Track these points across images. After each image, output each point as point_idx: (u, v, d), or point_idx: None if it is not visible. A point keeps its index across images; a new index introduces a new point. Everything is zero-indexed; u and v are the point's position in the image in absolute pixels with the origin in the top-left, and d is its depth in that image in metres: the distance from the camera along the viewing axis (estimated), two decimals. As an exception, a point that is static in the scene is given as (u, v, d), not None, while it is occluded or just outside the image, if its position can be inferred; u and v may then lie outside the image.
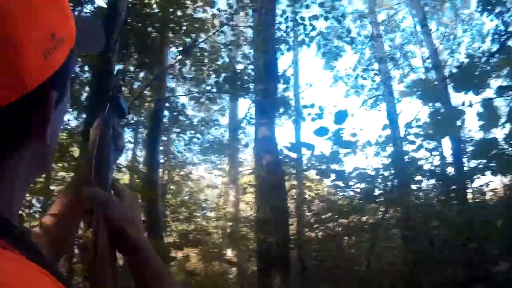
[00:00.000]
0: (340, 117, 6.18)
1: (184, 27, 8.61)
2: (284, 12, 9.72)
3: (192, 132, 12.20)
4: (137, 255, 0.90)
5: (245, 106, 18.67)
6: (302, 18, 9.85)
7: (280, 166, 6.34)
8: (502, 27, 7.91)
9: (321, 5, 10.66)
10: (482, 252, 5.17)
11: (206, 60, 10.00)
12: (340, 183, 7.60)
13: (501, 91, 5.52)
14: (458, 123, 5.29)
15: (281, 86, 9.66)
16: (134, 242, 0.90)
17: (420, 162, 8.03)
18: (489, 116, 5.09)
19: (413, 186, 8.16)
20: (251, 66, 9.85)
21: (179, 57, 9.71)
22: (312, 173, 9.69)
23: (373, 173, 8.25)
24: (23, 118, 0.62)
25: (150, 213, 7.50)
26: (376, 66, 15.88)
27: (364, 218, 8.04)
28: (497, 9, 7.78)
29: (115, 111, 1.09)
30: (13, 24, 0.56)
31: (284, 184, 6.59)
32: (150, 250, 0.92)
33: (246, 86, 8.99)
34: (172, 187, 12.04)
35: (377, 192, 8.04)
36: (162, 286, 0.90)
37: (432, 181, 8.21)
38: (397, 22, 17.27)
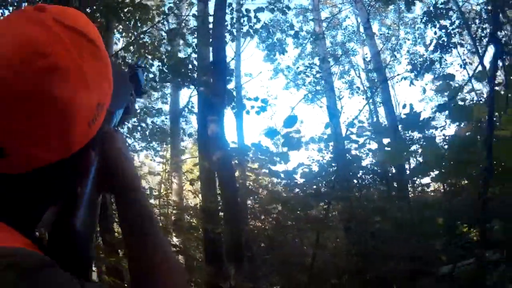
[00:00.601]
0: (290, 121, 6.50)
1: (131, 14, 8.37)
2: (230, 4, 9.67)
3: (135, 120, 11.97)
4: (129, 191, 0.83)
5: (187, 94, 18.40)
6: (248, 10, 9.86)
7: (230, 162, 6.43)
8: (445, 38, 8.38)
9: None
10: (425, 248, 5.51)
11: (150, 48, 9.80)
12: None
13: (440, 108, 6.16)
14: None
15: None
16: (128, 176, 0.84)
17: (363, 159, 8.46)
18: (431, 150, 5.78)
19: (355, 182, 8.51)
20: (194, 55, 9.77)
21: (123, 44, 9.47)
22: (255, 165, 9.89)
23: (316, 168, 8.56)
24: (60, 175, 0.69)
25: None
26: (317, 61, 16.25)
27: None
28: (442, 22, 8.27)
29: (131, 81, 1.04)
30: (70, 103, 0.61)
31: (235, 178, 6.67)
32: (142, 190, 0.86)
33: (190, 75, 8.92)
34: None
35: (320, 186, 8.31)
36: (151, 224, 0.81)
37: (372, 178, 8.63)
38: (340, 20, 17.69)
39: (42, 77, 0.59)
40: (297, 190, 8.49)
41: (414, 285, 5.49)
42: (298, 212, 8.21)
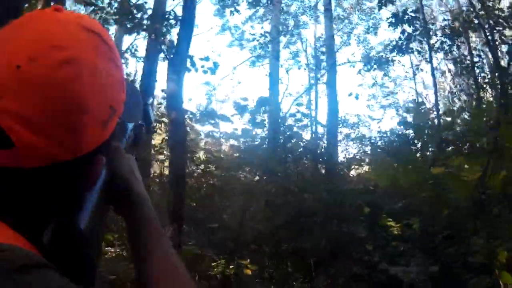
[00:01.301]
0: (262, 104, 6.84)
1: None
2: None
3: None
4: (139, 209, 0.82)
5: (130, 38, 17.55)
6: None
7: (184, 123, 6.46)
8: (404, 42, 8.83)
9: None
10: (350, 233, 6.01)
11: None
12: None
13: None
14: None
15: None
16: (138, 195, 0.83)
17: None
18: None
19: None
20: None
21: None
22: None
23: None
24: (68, 176, 0.67)
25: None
26: (266, 27, 16.21)
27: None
28: (405, 27, 8.66)
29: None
30: (83, 97, 0.62)
31: (186, 140, 6.72)
32: (151, 207, 0.84)
33: (141, 22, 8.66)
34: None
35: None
36: (162, 243, 0.80)
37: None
38: None
39: (57, 69, 0.60)
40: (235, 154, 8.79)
41: (332, 263, 6.01)
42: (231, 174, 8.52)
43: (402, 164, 5.74)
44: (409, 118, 8.02)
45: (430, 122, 6.50)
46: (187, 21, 6.68)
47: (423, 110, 6.16)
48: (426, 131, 6.16)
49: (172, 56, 6.62)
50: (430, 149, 8.00)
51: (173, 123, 6.03)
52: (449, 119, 6.37)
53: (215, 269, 6.38)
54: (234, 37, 18.78)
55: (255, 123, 7.38)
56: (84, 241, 0.70)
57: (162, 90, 7.50)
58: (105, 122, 0.67)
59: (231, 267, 6.43)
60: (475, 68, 8.81)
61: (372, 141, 10.89)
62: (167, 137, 10.07)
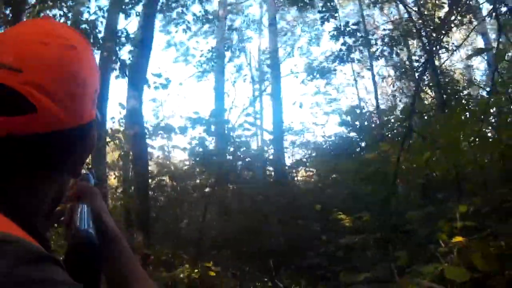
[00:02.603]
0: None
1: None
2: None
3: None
4: (114, 242, 0.89)
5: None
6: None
7: (144, 137, 6.73)
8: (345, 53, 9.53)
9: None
10: (307, 228, 6.55)
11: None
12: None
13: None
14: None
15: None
16: (111, 230, 0.90)
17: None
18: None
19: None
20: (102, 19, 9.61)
21: None
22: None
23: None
24: (71, 141, 0.75)
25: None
26: (211, 41, 16.50)
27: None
28: (346, 39, 9.32)
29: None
30: (83, 75, 0.74)
31: (147, 153, 6.97)
32: (123, 239, 0.92)
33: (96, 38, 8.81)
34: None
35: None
36: (136, 269, 0.88)
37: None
38: (243, 6, 18.01)
39: (64, 51, 0.72)
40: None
41: (291, 259, 6.49)
42: (186, 184, 8.84)
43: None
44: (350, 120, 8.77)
45: (370, 122, 7.20)
46: (146, 41, 6.98)
47: (358, 111, 6.88)
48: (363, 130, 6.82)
49: (130, 74, 6.91)
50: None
51: (135, 137, 6.30)
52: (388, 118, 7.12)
53: (181, 274, 6.67)
54: (179, 53, 19.04)
55: (210, 132, 7.80)
56: (97, 249, 0.73)
57: (120, 105, 7.71)
58: (94, 102, 0.79)
59: (195, 270, 6.75)
60: (416, 71, 9.56)
61: (317, 145, 11.55)
62: (123, 153, 10.22)
